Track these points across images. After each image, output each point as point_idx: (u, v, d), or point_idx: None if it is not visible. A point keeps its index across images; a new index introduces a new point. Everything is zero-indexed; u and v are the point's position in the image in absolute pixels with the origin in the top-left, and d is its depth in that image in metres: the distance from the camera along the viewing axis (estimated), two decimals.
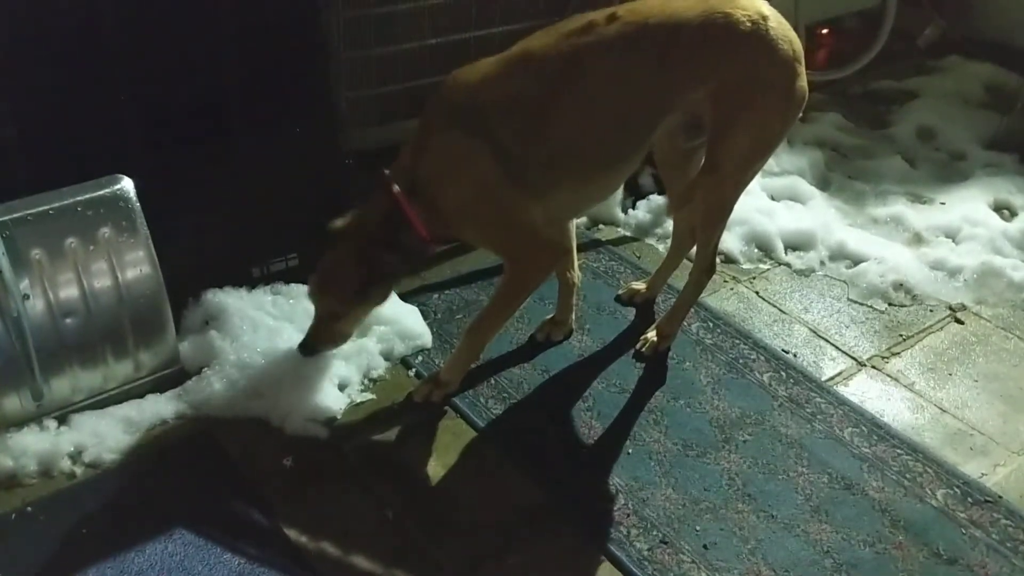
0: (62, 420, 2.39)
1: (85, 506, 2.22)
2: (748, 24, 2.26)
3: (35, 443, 2.31)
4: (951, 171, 3.88)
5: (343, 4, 2.83)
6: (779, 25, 2.31)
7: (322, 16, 2.77)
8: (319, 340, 2.50)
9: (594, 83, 2.25)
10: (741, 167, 2.42)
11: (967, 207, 3.54)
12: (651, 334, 2.77)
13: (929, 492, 2.36)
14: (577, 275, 2.76)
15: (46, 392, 2.34)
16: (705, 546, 2.19)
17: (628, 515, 2.26)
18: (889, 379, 2.75)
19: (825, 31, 4.40)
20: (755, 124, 2.34)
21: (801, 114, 2.44)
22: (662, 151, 2.59)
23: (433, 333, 2.80)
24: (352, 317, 2.48)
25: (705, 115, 2.35)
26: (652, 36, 2.26)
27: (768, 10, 2.32)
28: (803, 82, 2.37)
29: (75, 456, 2.33)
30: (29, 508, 2.20)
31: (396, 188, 2.31)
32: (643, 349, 2.75)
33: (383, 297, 2.48)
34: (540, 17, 3.10)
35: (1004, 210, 3.60)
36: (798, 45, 2.35)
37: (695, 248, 2.68)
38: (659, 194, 3.45)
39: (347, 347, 2.62)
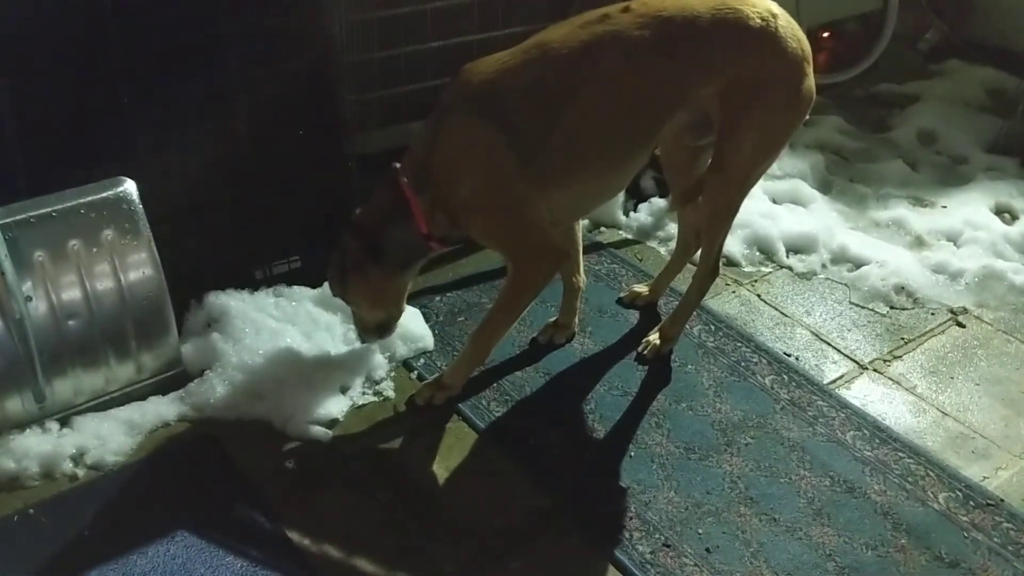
0: (64, 422, 2.39)
1: (87, 508, 2.22)
2: (758, 21, 2.28)
3: (37, 445, 2.31)
4: (952, 175, 3.88)
5: (346, 7, 2.84)
6: (788, 24, 2.33)
7: (326, 19, 2.77)
8: (356, 328, 2.61)
9: (606, 74, 2.25)
10: (748, 165, 2.42)
11: (968, 210, 3.54)
12: (653, 337, 2.77)
13: (931, 495, 2.36)
14: (582, 279, 2.76)
15: (48, 394, 2.35)
16: (708, 549, 2.19)
17: (631, 518, 2.26)
18: (891, 382, 2.75)
19: (826, 34, 4.41)
20: (763, 122, 2.35)
21: (808, 115, 2.45)
22: (668, 150, 2.60)
23: (435, 335, 2.80)
24: (353, 305, 2.53)
25: (713, 112, 2.36)
26: (664, 29, 2.26)
27: (778, 9, 2.33)
28: (811, 82, 2.38)
29: (77, 458, 2.33)
30: (31, 510, 2.20)
31: (404, 180, 2.32)
32: (645, 352, 2.75)
33: (368, 291, 2.46)
34: (542, 20, 3.10)
35: (1005, 213, 3.60)
36: (806, 45, 2.36)
37: (699, 252, 2.69)
38: (660, 197, 3.46)
39: (348, 350, 2.65)
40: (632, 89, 2.28)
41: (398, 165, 2.35)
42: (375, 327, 2.57)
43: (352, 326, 2.66)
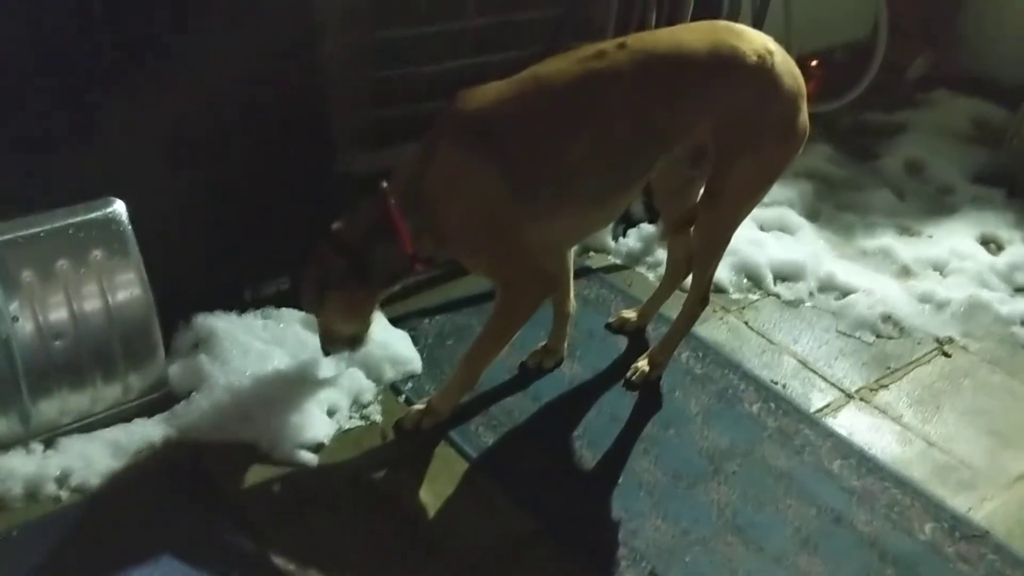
0: (49, 443, 2.36)
1: (71, 531, 2.20)
2: (754, 58, 2.29)
3: (21, 466, 2.28)
4: (939, 204, 3.92)
5: (340, 28, 2.84)
6: (784, 60, 2.34)
7: (319, 40, 2.78)
8: (322, 340, 2.56)
9: (601, 108, 2.26)
10: (742, 199, 2.44)
11: (955, 240, 3.58)
12: (642, 363, 2.77)
13: (917, 526, 2.36)
14: (572, 304, 2.76)
15: (34, 415, 2.33)
16: None
17: (618, 546, 2.25)
18: (877, 411, 2.76)
19: (815, 63, 4.44)
20: (757, 157, 2.36)
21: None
22: (661, 179, 2.60)
23: (423, 359, 2.79)
24: (322, 320, 2.51)
25: (709, 146, 2.37)
26: (659, 65, 2.28)
27: (774, 45, 2.35)
28: (805, 117, 2.39)
29: (61, 480, 2.30)
30: (14, 532, 2.18)
31: (391, 201, 2.31)
32: (634, 378, 2.75)
33: (346, 307, 2.45)
34: (536, 46, 3.12)
35: (991, 244, 3.64)
36: (801, 81, 2.38)
37: (689, 278, 2.70)
38: (650, 223, 3.47)
39: (336, 373, 2.64)
40: (626, 125, 2.29)
41: (386, 184, 2.35)
42: (346, 340, 2.56)
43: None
